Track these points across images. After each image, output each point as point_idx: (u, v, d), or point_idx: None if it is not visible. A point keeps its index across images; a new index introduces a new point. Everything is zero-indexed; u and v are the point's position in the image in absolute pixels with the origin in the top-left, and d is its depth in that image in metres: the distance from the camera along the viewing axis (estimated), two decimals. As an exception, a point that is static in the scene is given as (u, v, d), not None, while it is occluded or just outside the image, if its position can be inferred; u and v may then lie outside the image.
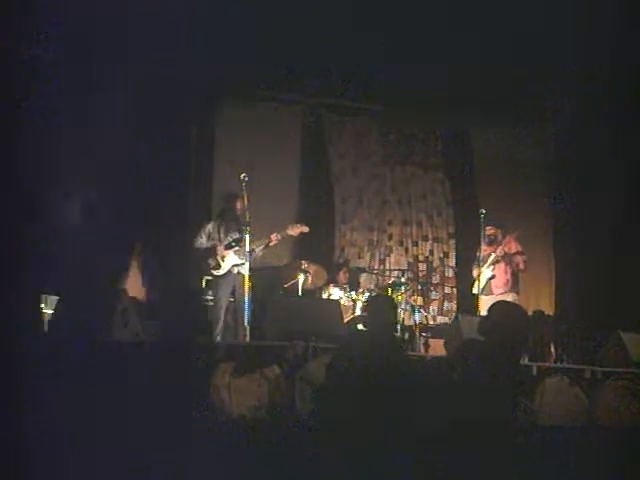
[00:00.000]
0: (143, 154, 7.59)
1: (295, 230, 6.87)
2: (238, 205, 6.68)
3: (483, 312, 7.11)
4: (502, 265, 7.31)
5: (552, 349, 7.52)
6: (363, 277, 8.57)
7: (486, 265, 7.30)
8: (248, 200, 6.49)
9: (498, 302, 4.11)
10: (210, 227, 6.80)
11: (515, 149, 9.26)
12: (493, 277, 7.30)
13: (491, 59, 7.83)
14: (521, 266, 7.35)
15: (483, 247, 7.36)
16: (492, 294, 7.18)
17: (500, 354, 3.49)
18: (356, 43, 7.61)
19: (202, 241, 6.74)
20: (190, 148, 8.28)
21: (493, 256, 7.29)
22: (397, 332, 6.90)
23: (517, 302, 7.01)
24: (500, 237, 7.38)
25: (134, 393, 4.45)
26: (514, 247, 7.37)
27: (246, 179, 6.40)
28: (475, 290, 7.35)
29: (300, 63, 7.89)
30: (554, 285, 9.06)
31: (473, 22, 7.37)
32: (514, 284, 7.36)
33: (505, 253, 7.29)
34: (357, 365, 4.09)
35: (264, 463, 3.83)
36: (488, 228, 7.36)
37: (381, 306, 4.64)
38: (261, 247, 6.70)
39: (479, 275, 7.29)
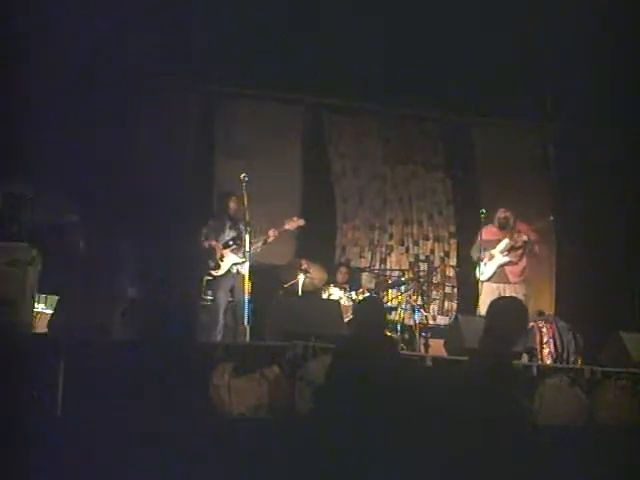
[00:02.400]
0: (143, 154, 7.60)
1: (292, 224, 6.86)
2: (232, 204, 6.68)
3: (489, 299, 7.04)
4: (520, 252, 7.08)
5: (552, 349, 7.49)
6: (363, 277, 8.56)
7: (498, 250, 7.10)
8: (248, 200, 6.48)
9: (499, 298, 4.10)
10: (206, 228, 6.80)
11: (516, 148, 9.26)
12: (508, 264, 7.05)
13: (491, 59, 7.84)
14: (539, 253, 7.19)
15: (494, 231, 7.18)
16: (508, 282, 7.02)
17: (499, 351, 3.50)
18: (356, 43, 7.63)
19: (201, 242, 6.74)
20: (190, 148, 8.28)
21: (507, 242, 7.07)
22: (389, 333, 6.86)
23: (528, 293, 7.05)
24: (512, 221, 7.16)
25: (134, 393, 4.45)
26: (532, 235, 7.16)
27: (246, 179, 6.40)
28: (482, 276, 7.12)
29: (300, 63, 7.90)
30: (554, 285, 9.05)
31: (473, 22, 7.38)
32: (527, 273, 7.18)
33: (525, 241, 7.04)
34: (350, 368, 4.09)
35: (264, 463, 3.83)
36: (501, 211, 7.18)
37: (367, 309, 4.61)
38: (259, 244, 6.70)
39: (489, 258, 7.07)
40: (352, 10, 7.37)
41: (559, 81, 8.46)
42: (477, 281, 7.22)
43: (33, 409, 4.19)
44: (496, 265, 7.09)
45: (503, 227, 7.16)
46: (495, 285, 7.04)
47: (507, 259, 7.06)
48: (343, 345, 4.65)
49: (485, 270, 7.12)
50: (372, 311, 4.56)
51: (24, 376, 4.27)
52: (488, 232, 7.26)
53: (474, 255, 7.28)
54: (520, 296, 6.46)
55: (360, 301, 5.69)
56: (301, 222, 6.91)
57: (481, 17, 7.32)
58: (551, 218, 7.29)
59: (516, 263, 7.09)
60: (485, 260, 7.11)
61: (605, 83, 7.72)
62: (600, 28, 7.18)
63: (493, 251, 7.11)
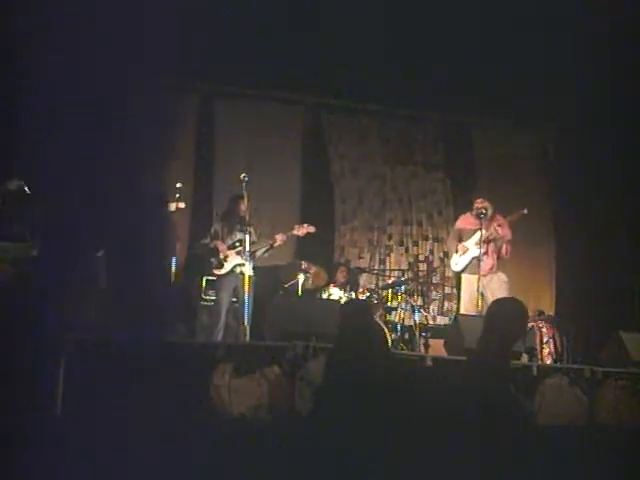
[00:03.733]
0: (142, 154, 7.59)
1: (301, 230, 6.85)
2: (242, 206, 6.67)
3: (464, 292, 7.01)
4: (491, 246, 6.87)
5: (552, 349, 7.50)
6: (363, 277, 8.57)
7: (473, 242, 6.89)
8: (248, 200, 6.49)
9: (500, 299, 4.10)
10: (215, 228, 6.81)
11: (516, 148, 9.26)
12: (484, 255, 6.79)
13: (491, 59, 7.83)
14: (507, 256, 6.92)
15: (471, 220, 7.02)
16: (477, 273, 6.78)
17: (497, 351, 3.51)
18: (356, 43, 7.62)
19: (207, 241, 6.75)
20: (190, 148, 8.29)
21: (481, 234, 6.79)
22: (388, 333, 6.85)
23: (508, 281, 6.88)
24: (490, 213, 6.92)
25: (134, 393, 4.45)
26: (506, 232, 6.94)
27: (246, 179, 6.41)
28: (456, 267, 7.04)
29: (300, 63, 7.90)
30: (554, 285, 9.05)
31: (473, 21, 7.37)
32: (500, 265, 6.96)
33: (496, 236, 6.84)
34: (344, 369, 4.09)
35: (264, 463, 3.83)
36: (479, 201, 6.99)
37: (351, 311, 4.58)
38: (265, 248, 6.69)
39: (463, 251, 6.93)
40: (352, 10, 7.37)
41: (559, 81, 8.46)
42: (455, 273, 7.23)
43: (33, 409, 4.19)
44: (470, 257, 6.90)
45: (479, 216, 6.89)
46: (473, 277, 6.84)
47: (480, 251, 6.81)
48: (334, 346, 4.64)
49: (459, 261, 7.00)
50: (356, 314, 4.53)
51: (24, 376, 4.27)
52: (464, 221, 7.18)
53: (451, 246, 7.17)
54: (501, 284, 6.56)
55: (343, 304, 5.66)
56: (311, 229, 6.89)
57: (481, 17, 7.32)
58: (525, 211, 6.98)
59: (489, 256, 6.87)
60: (459, 251, 6.99)
61: (605, 83, 7.72)
62: (600, 28, 7.18)
63: (467, 242, 6.95)
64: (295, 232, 6.82)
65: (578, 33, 7.28)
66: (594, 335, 7.24)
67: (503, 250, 6.93)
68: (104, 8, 6.45)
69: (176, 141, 8.07)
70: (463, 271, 7.02)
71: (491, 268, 6.88)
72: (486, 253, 6.86)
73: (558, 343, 7.47)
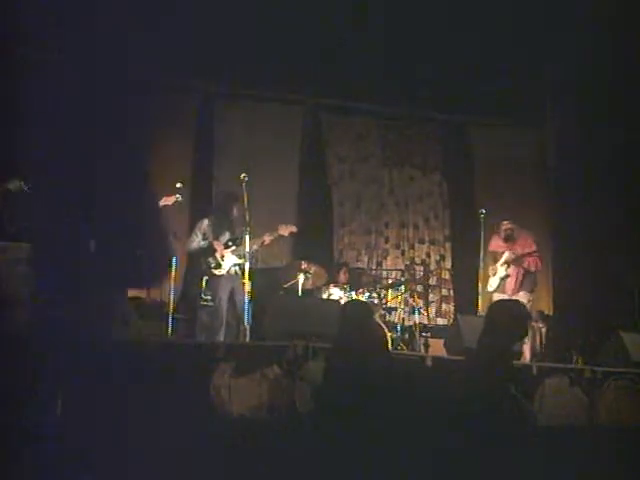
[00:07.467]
0: (141, 155, 7.61)
1: (285, 230, 6.88)
2: (235, 208, 6.66)
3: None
4: (514, 267, 7.11)
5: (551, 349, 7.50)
6: (363, 277, 8.56)
7: (500, 263, 7.15)
8: (248, 201, 6.48)
9: (498, 301, 4.12)
10: (205, 225, 6.77)
11: (515, 149, 9.24)
12: (507, 277, 7.09)
13: (491, 59, 7.84)
14: (532, 268, 7.14)
15: (500, 243, 7.24)
16: (505, 293, 7.04)
17: (497, 350, 3.51)
18: (356, 43, 7.63)
19: (198, 240, 6.72)
20: (190, 148, 8.29)
21: (507, 254, 7.12)
22: (388, 333, 6.84)
23: (530, 300, 7.00)
24: (515, 233, 7.21)
25: (134, 393, 4.45)
26: (527, 247, 7.18)
27: (246, 179, 6.40)
28: (490, 288, 7.21)
29: (300, 63, 7.91)
30: (552, 285, 9.05)
31: (472, 21, 7.39)
32: (526, 284, 7.15)
33: (517, 255, 7.10)
34: (343, 369, 4.09)
35: (264, 463, 3.83)
36: (505, 223, 7.22)
37: (351, 313, 4.56)
38: (255, 247, 6.71)
39: (493, 273, 7.15)
40: (352, 10, 7.38)
41: (558, 82, 8.47)
42: (482, 290, 7.27)
43: (33, 409, 4.19)
44: (499, 278, 7.15)
45: (507, 240, 7.22)
46: (500, 295, 7.03)
47: (505, 272, 7.11)
48: (334, 346, 4.64)
49: (492, 282, 7.20)
50: (356, 314, 4.52)
51: (24, 376, 4.27)
52: (495, 244, 7.33)
53: (487, 269, 7.29)
54: None
55: (343, 305, 5.67)
56: (293, 229, 6.93)
57: (481, 17, 7.33)
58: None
59: (511, 277, 7.12)
60: (491, 273, 7.20)
61: (605, 83, 7.73)
62: (600, 28, 7.19)
63: (497, 264, 7.18)
64: (280, 232, 6.84)
65: (577, 33, 7.30)
66: (594, 335, 7.23)
67: (529, 265, 7.14)
68: (104, 8, 6.46)
69: (175, 141, 8.09)
70: (495, 291, 7.17)
71: (514, 289, 7.07)
72: (509, 275, 7.11)
73: (558, 343, 7.47)
